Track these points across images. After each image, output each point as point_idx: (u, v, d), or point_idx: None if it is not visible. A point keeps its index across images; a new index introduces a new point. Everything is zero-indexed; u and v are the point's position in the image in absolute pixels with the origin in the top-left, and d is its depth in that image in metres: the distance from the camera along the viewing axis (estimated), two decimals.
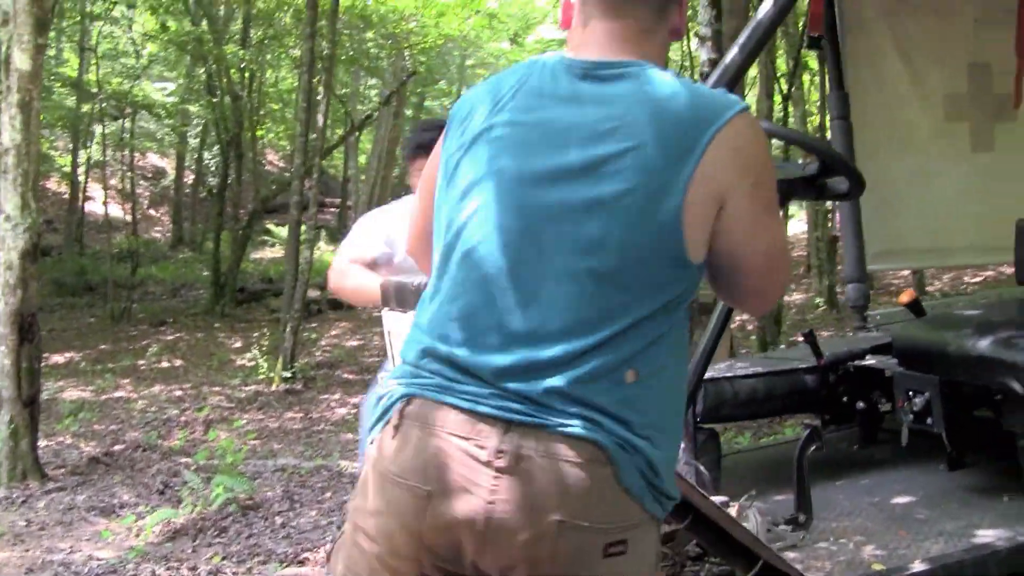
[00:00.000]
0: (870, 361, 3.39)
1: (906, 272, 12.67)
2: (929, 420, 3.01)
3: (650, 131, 1.44)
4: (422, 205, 1.74)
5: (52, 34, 16.47)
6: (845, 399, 3.46)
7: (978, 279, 13.40)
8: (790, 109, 11.35)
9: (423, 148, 3.11)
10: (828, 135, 4.43)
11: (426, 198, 1.71)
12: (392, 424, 1.51)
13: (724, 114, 1.46)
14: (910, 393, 3.06)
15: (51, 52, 18.00)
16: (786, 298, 12.23)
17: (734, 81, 2.41)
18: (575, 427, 1.41)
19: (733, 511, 2.69)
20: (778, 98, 10.58)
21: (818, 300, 13.05)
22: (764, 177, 1.50)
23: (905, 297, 3.52)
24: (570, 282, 1.44)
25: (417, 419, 1.48)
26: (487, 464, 1.42)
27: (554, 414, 1.41)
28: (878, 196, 4.00)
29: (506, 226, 1.49)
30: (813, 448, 2.79)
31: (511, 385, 1.43)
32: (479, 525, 1.42)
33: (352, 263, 3.23)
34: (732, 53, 2.39)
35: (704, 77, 4.94)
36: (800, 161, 2.92)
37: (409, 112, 22.63)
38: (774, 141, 4.97)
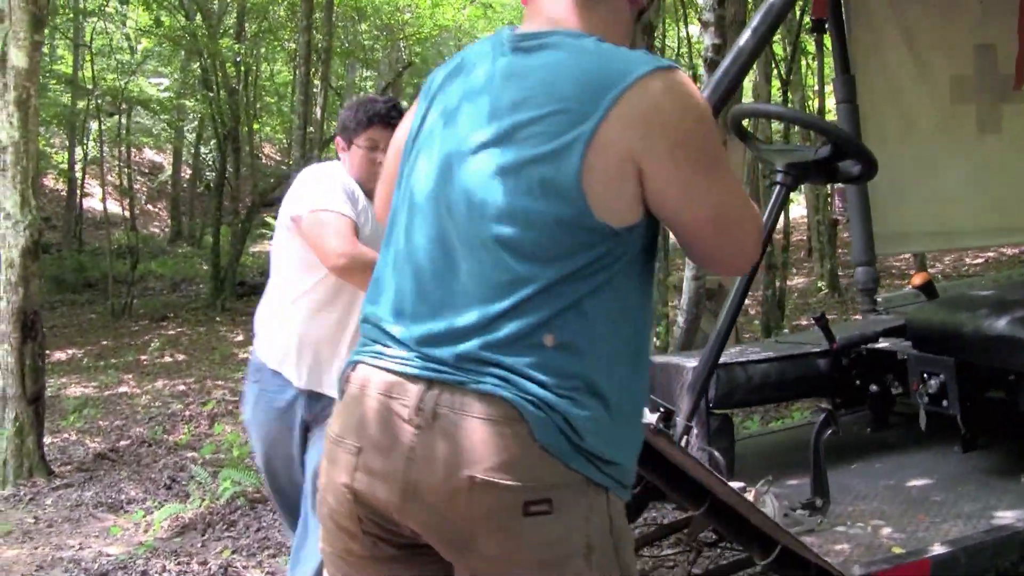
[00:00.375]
0: (883, 344, 3.37)
1: (907, 255, 12.67)
2: (944, 402, 3.00)
3: (556, 97, 1.45)
4: (392, 171, 1.78)
5: (47, 31, 16.41)
6: (858, 383, 3.45)
7: (979, 261, 13.40)
8: (789, 94, 11.30)
9: (377, 117, 3.10)
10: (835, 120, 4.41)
11: (394, 165, 1.75)
12: (340, 389, 1.61)
13: (630, 75, 1.43)
14: (925, 375, 3.05)
15: (46, 49, 17.87)
16: (788, 282, 12.21)
17: (747, 66, 2.39)
18: (487, 385, 1.43)
19: (750, 496, 2.68)
20: (776, 83, 10.54)
21: (820, 284, 13.03)
22: (690, 138, 1.45)
23: (917, 279, 3.50)
24: (483, 250, 1.47)
25: (356, 383, 1.56)
26: (408, 421, 1.46)
27: (471, 374, 1.44)
28: (885, 179, 3.99)
29: (434, 199, 1.55)
30: (829, 432, 2.77)
31: (432, 351, 1.48)
32: (399, 481, 1.45)
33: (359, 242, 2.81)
34: (744, 37, 2.37)
35: (707, 63, 4.92)
36: (808, 145, 2.92)
37: (405, 104, 22.52)
38: (774, 124, 4.95)
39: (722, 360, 3.39)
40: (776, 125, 11.61)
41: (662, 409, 2.25)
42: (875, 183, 4.09)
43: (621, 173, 1.43)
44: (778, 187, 2.82)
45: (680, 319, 5.10)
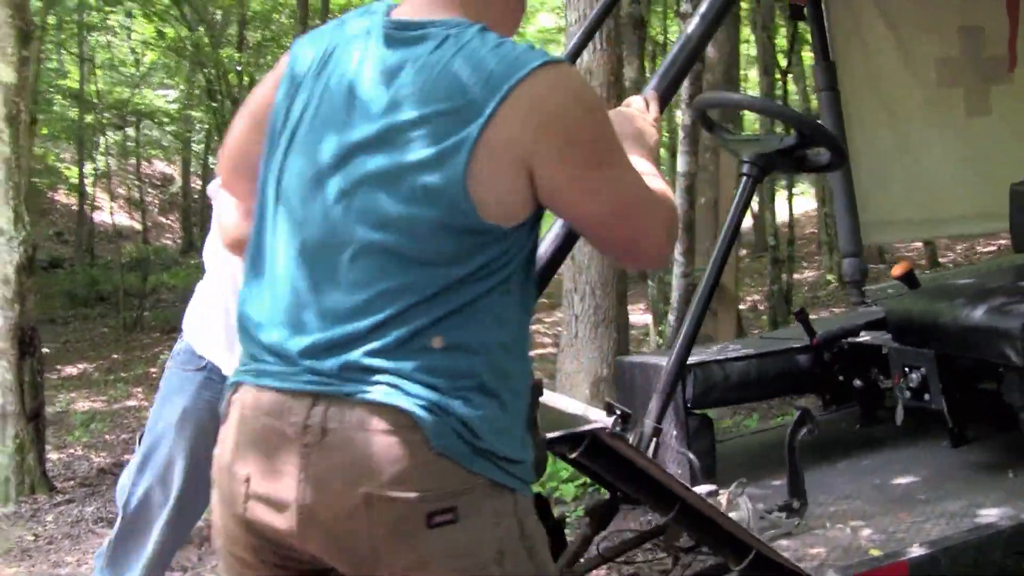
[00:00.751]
0: (866, 338, 3.29)
1: (919, 244, 12.51)
2: (927, 396, 2.91)
3: (437, 96, 1.36)
4: (243, 129, 1.64)
5: (50, 46, 16.49)
6: (841, 378, 3.37)
7: (991, 248, 13.22)
8: (790, 86, 11.19)
9: None
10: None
11: (251, 124, 1.61)
12: (224, 413, 1.50)
13: (519, 71, 1.34)
14: (906, 369, 2.96)
15: (52, 64, 18.00)
16: (796, 276, 12.09)
17: (695, 53, 2.32)
18: (375, 394, 1.34)
19: (723, 499, 2.61)
20: (778, 75, 10.42)
21: (829, 277, 12.91)
22: (581, 134, 1.38)
23: (898, 269, 3.41)
24: (365, 256, 1.39)
25: (240, 405, 1.46)
26: (295, 441, 1.37)
27: (356, 384, 1.36)
28: (870, 167, 3.91)
29: (310, 202, 1.44)
30: (804, 431, 2.69)
31: (315, 363, 1.39)
32: (293, 507, 1.36)
33: None
34: (693, 23, 2.30)
35: None
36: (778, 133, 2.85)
37: None
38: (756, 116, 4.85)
39: (700, 358, 3.33)
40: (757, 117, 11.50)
41: (618, 411, 2.18)
42: (861, 171, 4.02)
43: (512, 174, 1.35)
44: (744, 179, 2.75)
45: (671, 317, 5.02)
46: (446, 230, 1.36)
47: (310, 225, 1.44)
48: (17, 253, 6.20)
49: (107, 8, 15.67)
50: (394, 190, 1.37)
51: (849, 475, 3.14)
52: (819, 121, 3.28)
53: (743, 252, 11.64)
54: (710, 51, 5.53)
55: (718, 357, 3.33)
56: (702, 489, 2.56)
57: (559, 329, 7.21)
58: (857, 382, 3.32)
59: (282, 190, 1.49)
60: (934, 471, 3.05)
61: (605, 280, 5.50)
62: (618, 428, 2.45)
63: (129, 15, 16.46)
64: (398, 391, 1.34)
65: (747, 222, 13.60)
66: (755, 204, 12.70)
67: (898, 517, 2.74)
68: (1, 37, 6.32)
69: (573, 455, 2.11)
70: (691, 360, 3.28)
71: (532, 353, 1.46)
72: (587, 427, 2.08)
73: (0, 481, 6.10)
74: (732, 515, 2.55)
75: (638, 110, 1.90)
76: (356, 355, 1.37)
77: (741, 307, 9.72)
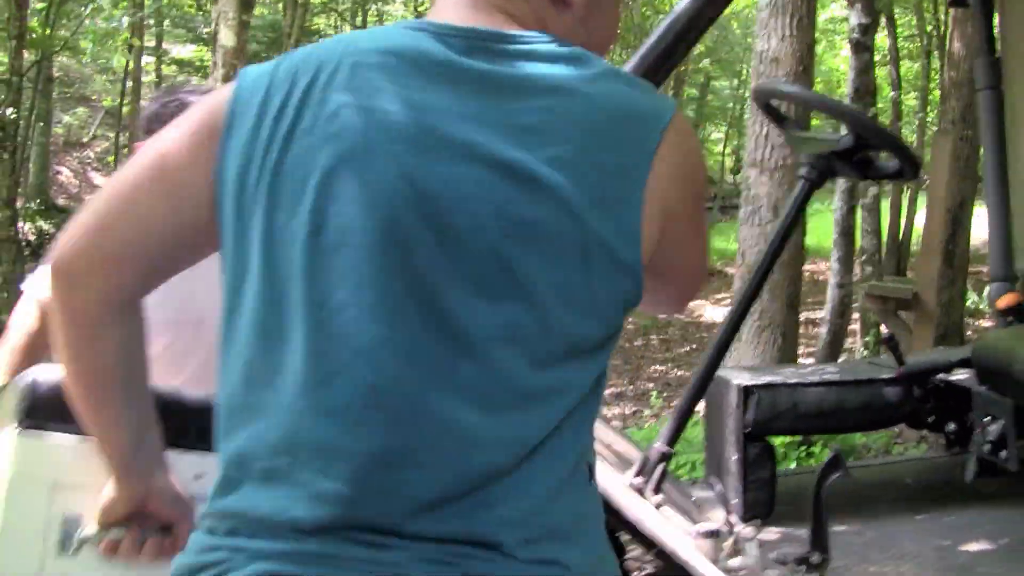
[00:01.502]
0: (959, 376, 2.82)
1: None
2: (1003, 453, 2.46)
3: (584, 129, 1.00)
4: (153, 203, 1.05)
5: None
6: (932, 419, 2.92)
7: None
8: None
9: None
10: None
11: (164, 195, 1.05)
12: None
13: (667, 111, 1.06)
14: (987, 418, 2.52)
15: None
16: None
17: (682, 34, 2.05)
18: None
19: (729, 542, 2.34)
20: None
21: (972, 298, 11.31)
22: (703, 185, 1.16)
23: (1005, 300, 2.89)
24: (496, 345, 0.96)
25: None
26: None
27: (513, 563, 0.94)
28: None
29: (387, 275, 0.96)
30: (836, 476, 2.36)
31: (438, 529, 0.93)
32: None
33: None
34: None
35: (854, 44, 4.37)
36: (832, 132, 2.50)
37: None
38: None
39: (767, 379, 3.01)
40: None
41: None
42: (1018, 184, 3.46)
43: (656, 229, 1.06)
44: (801, 182, 2.44)
45: (822, 329, 4.59)
46: (619, 304, 1.09)
47: (387, 308, 0.96)
48: None
49: None
50: (540, 252, 1.01)
51: (921, 531, 2.73)
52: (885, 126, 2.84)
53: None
54: (782, 44, 4.91)
55: (789, 380, 2.98)
56: (703, 527, 2.32)
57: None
58: (951, 425, 2.87)
59: (320, 255, 0.97)
60: (1017, 541, 2.59)
61: (774, 283, 5.15)
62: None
63: None
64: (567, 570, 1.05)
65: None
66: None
67: None
68: (224, 2, 6.79)
69: None
70: (757, 381, 2.98)
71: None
72: None
73: None
74: (734, 561, 2.30)
75: None
76: (505, 511, 1.01)
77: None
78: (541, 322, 0.96)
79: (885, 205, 12.61)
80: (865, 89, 5.48)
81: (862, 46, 5.33)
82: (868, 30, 4.20)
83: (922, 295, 6.22)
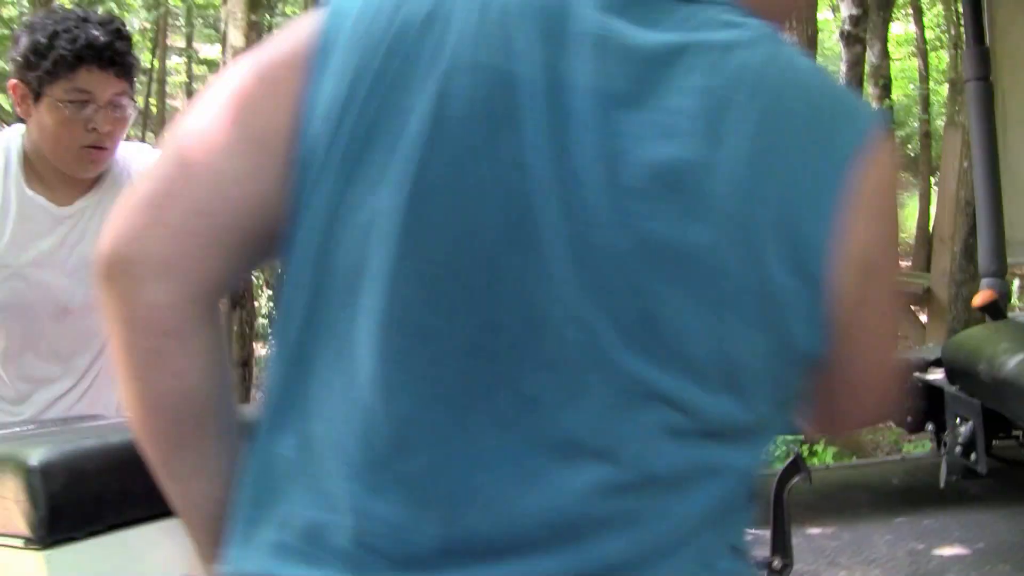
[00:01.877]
0: (932, 375, 2.74)
1: None
2: (973, 455, 2.39)
3: (760, 129, 0.75)
4: (239, 161, 0.80)
5: None
6: (910, 419, 2.85)
7: None
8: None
9: (93, 53, 1.81)
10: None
11: (250, 152, 0.80)
12: None
13: (867, 125, 0.79)
14: (957, 419, 2.45)
15: None
16: None
17: None
18: None
19: None
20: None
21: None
22: (897, 236, 0.86)
23: (980, 298, 2.80)
24: (642, 403, 0.75)
25: None
26: None
27: None
28: (1022, 174, 3.27)
29: (512, 274, 0.75)
30: (796, 479, 2.30)
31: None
32: None
33: None
34: None
35: (845, 37, 4.27)
36: None
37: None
38: None
39: None
40: None
41: None
42: (1010, 179, 3.38)
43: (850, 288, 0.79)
44: None
45: None
46: (795, 369, 0.85)
47: (503, 319, 0.75)
48: None
49: None
50: (701, 282, 0.77)
51: (896, 535, 2.67)
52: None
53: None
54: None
55: None
56: None
57: None
58: (929, 425, 2.79)
59: (402, 239, 0.75)
60: (993, 545, 2.52)
61: None
62: None
63: None
64: None
65: None
66: None
67: None
68: (232, 2, 6.83)
69: None
70: None
71: None
72: None
73: None
74: None
75: None
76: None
77: None
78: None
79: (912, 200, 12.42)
80: (856, 82, 5.35)
81: (853, 38, 5.23)
82: (859, 21, 4.10)
83: (935, 290, 6.10)
